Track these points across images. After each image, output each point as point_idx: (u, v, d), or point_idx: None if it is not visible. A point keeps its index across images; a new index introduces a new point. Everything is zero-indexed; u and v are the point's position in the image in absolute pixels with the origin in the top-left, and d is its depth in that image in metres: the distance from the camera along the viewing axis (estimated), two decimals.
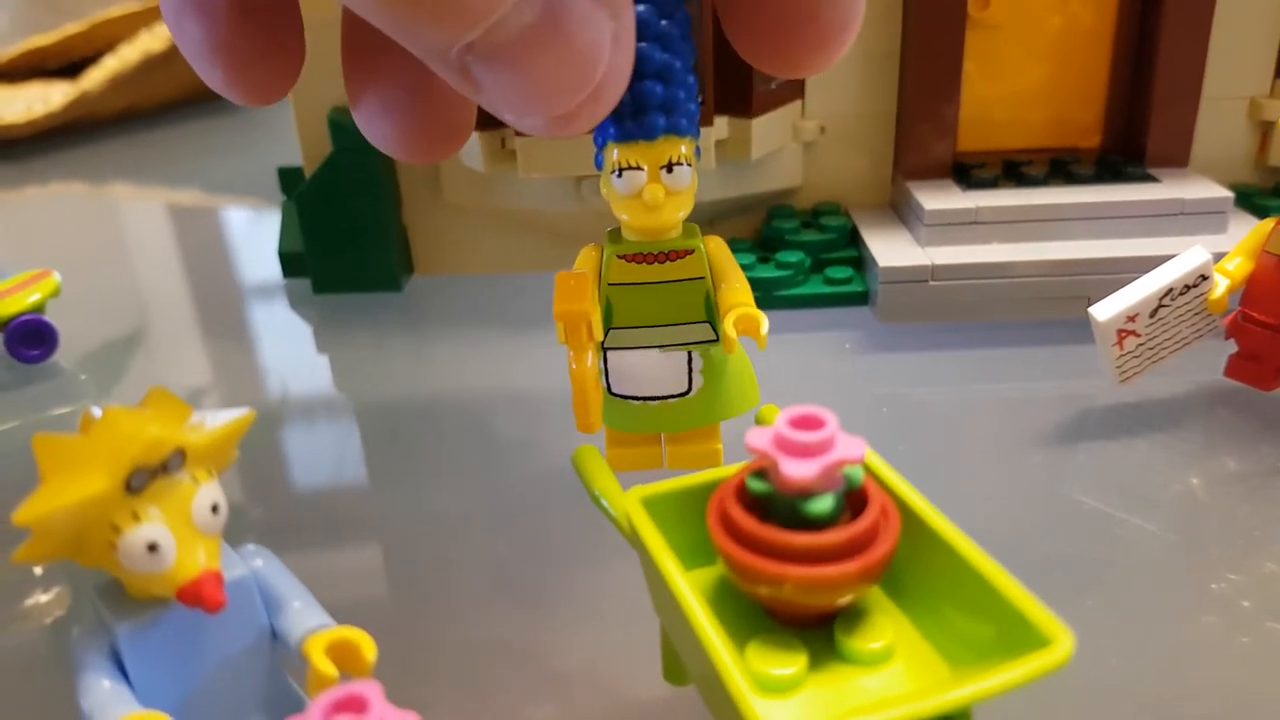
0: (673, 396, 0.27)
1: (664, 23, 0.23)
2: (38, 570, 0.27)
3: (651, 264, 0.25)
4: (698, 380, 0.26)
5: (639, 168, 0.24)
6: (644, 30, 0.22)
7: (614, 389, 0.27)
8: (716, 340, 0.26)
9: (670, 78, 0.23)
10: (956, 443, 0.31)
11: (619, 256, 0.25)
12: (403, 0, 0.15)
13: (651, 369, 0.26)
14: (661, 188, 0.24)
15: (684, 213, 0.25)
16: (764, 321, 0.25)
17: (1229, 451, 0.29)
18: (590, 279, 0.24)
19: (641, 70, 0.22)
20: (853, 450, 0.16)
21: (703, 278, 0.25)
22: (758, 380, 0.27)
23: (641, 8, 0.22)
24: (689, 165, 0.24)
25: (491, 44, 0.16)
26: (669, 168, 0.24)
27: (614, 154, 0.24)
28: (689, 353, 0.26)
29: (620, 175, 0.24)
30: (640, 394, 0.27)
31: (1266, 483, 0.28)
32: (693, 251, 0.25)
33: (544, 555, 0.27)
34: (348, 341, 0.40)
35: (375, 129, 0.21)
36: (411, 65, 0.20)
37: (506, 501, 0.29)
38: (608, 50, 0.17)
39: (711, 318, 0.26)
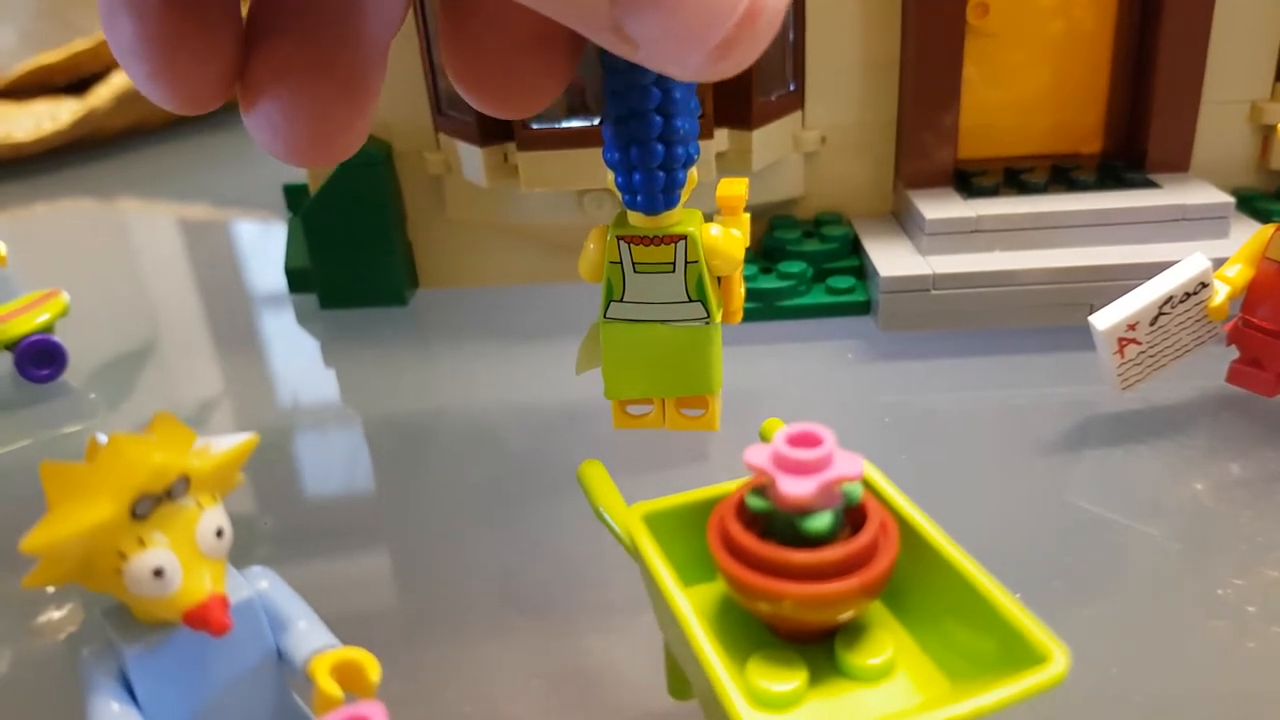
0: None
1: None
2: (50, 588, 0.27)
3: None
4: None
5: None
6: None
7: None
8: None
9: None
10: (959, 451, 0.32)
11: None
12: None
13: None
14: None
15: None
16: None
17: (1232, 457, 0.29)
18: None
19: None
20: (850, 467, 0.16)
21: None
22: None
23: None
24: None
25: None
26: None
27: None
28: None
29: None
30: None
31: (1270, 488, 0.28)
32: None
33: (551, 567, 0.27)
34: (354, 355, 0.40)
35: (264, 134, 0.20)
36: (302, 57, 0.19)
37: (513, 514, 0.30)
38: None
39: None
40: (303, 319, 0.43)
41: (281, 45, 0.19)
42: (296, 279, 0.44)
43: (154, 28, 0.18)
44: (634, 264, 0.27)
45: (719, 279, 0.28)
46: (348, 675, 0.17)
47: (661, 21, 0.16)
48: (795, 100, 0.40)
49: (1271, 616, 0.23)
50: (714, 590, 0.19)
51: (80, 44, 0.73)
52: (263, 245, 0.55)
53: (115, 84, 0.70)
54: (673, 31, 0.16)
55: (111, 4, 0.18)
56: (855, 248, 0.40)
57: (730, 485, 0.19)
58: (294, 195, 0.52)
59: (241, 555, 0.18)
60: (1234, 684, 0.22)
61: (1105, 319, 0.29)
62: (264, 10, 0.20)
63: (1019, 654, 0.15)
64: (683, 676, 0.21)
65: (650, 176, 0.25)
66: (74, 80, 0.75)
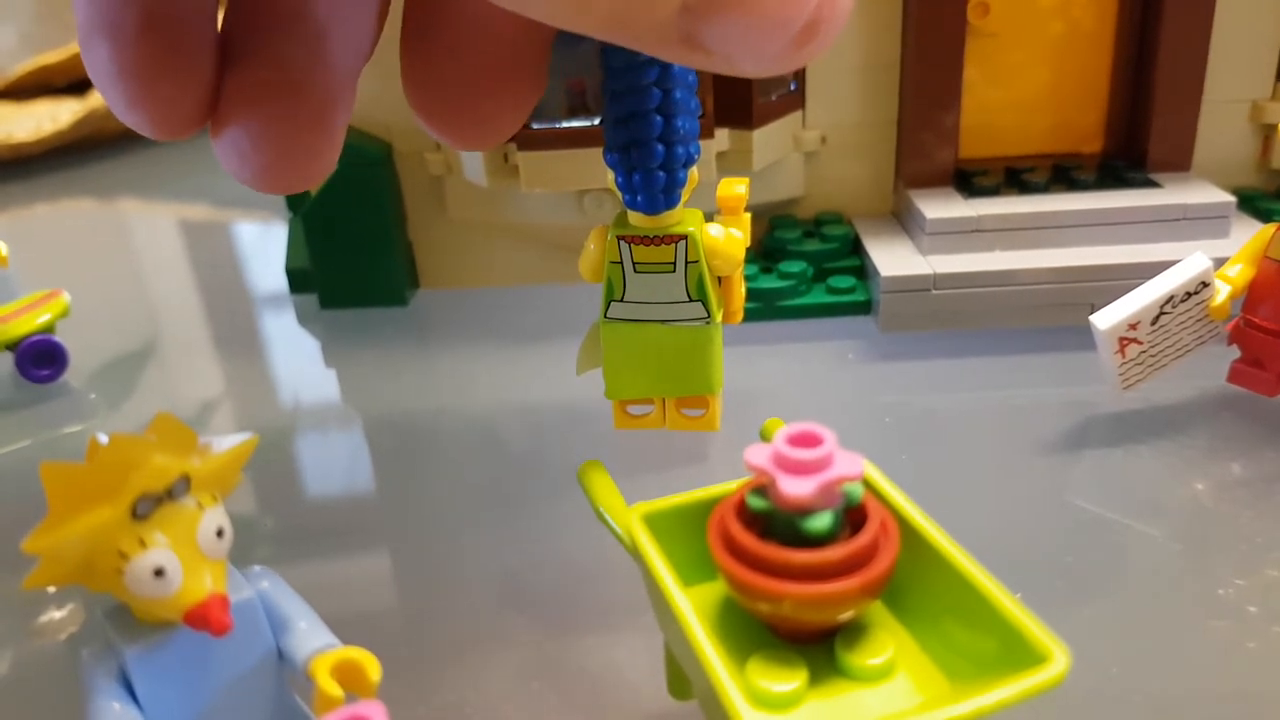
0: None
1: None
2: (51, 588, 0.27)
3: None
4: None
5: None
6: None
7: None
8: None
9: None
10: (960, 451, 0.32)
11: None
12: None
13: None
14: None
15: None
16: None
17: (1233, 457, 0.29)
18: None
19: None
20: (851, 467, 0.16)
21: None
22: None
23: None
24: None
25: None
26: None
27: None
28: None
29: None
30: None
31: (1271, 488, 0.28)
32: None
33: (551, 566, 0.27)
34: (355, 356, 0.40)
35: (232, 162, 0.20)
36: (269, 84, 0.19)
37: (513, 514, 0.30)
38: None
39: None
40: (303, 319, 0.43)
41: (250, 72, 0.19)
42: (297, 279, 0.44)
43: (131, 54, 0.18)
44: (634, 264, 0.27)
45: (719, 279, 0.28)
46: (348, 675, 0.17)
47: (741, 21, 0.15)
48: (796, 100, 0.40)
49: (1272, 616, 0.23)
50: (714, 590, 0.19)
51: None
52: (263, 245, 0.55)
53: None
54: (754, 27, 0.15)
55: (89, 29, 0.18)
56: (856, 247, 0.40)
57: (730, 485, 0.19)
58: (294, 196, 0.52)
59: (242, 555, 0.18)
60: (1234, 684, 0.22)
61: (1106, 318, 0.29)
62: (233, 36, 0.19)
63: (1019, 654, 0.15)
64: (683, 676, 0.21)
65: (650, 177, 0.25)
66: (74, 81, 0.75)
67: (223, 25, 0.20)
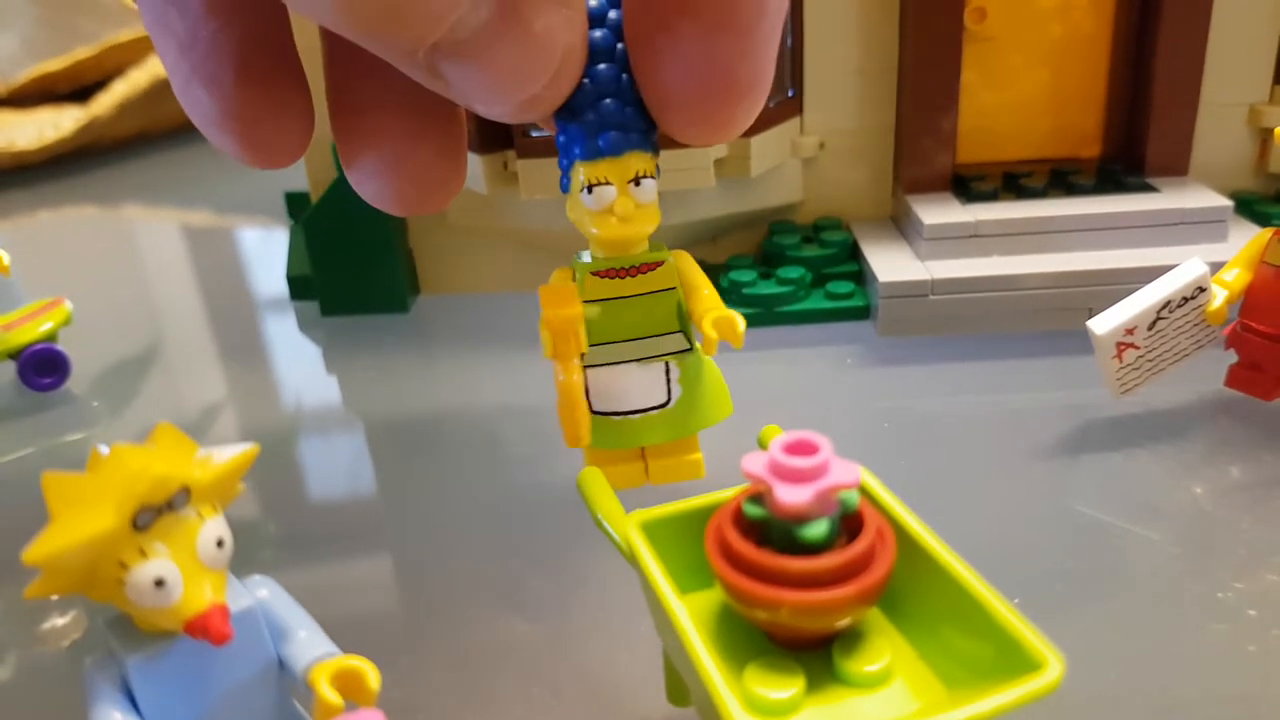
0: (653, 409, 0.27)
1: (620, 45, 0.24)
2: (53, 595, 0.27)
3: (624, 278, 0.26)
4: (676, 390, 0.27)
5: (607, 183, 0.25)
6: (602, 54, 0.23)
7: (595, 406, 0.27)
8: (691, 349, 0.27)
9: (628, 97, 0.24)
10: (959, 455, 0.32)
11: (593, 273, 0.26)
12: (368, 11, 0.16)
13: (631, 383, 0.27)
14: (631, 200, 0.25)
15: (651, 226, 0.26)
16: (739, 321, 0.26)
17: (1231, 461, 0.29)
18: (574, 287, 0.26)
19: (602, 90, 0.24)
20: (847, 474, 0.17)
21: (674, 288, 0.27)
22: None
23: (598, 33, 0.23)
24: (653, 179, 0.25)
25: (455, 42, 0.16)
26: (636, 181, 0.25)
27: (581, 174, 0.25)
28: (666, 364, 0.27)
29: (590, 191, 0.25)
30: (621, 409, 0.27)
31: (1270, 492, 0.28)
32: (662, 263, 0.26)
33: (552, 573, 0.27)
34: (356, 362, 0.40)
35: (369, 188, 0.22)
36: (401, 123, 0.21)
37: (514, 519, 0.30)
38: (563, 34, 0.18)
39: (684, 327, 0.27)
40: (304, 326, 0.44)
41: (379, 108, 0.21)
42: (298, 286, 0.44)
43: (231, 104, 0.19)
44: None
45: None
46: (348, 683, 0.17)
47: (478, 76, 0.17)
48: (794, 106, 0.40)
49: (1272, 620, 0.24)
50: (711, 598, 0.19)
51: (82, 51, 0.73)
52: (265, 252, 0.55)
53: (117, 92, 0.70)
54: (488, 85, 0.17)
55: (186, 79, 0.19)
56: (854, 253, 0.40)
57: (728, 493, 0.19)
58: (295, 203, 0.53)
59: (244, 562, 0.18)
60: (1235, 687, 0.22)
61: (1103, 323, 0.29)
62: (352, 73, 0.21)
63: (1015, 661, 0.15)
64: (682, 683, 0.21)
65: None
66: (76, 88, 0.75)
67: (341, 63, 0.21)
